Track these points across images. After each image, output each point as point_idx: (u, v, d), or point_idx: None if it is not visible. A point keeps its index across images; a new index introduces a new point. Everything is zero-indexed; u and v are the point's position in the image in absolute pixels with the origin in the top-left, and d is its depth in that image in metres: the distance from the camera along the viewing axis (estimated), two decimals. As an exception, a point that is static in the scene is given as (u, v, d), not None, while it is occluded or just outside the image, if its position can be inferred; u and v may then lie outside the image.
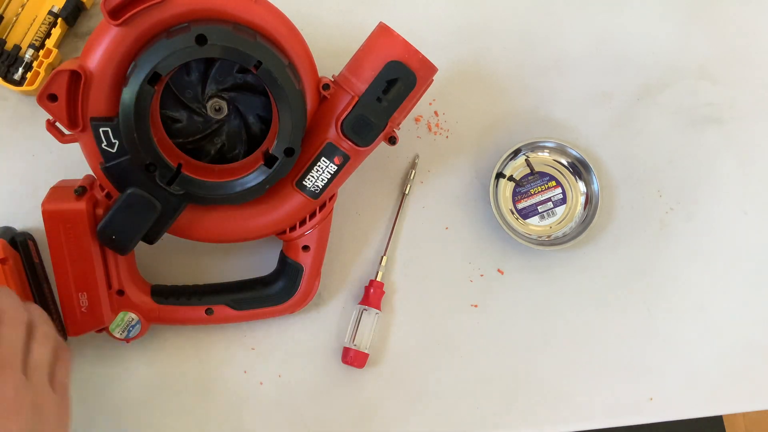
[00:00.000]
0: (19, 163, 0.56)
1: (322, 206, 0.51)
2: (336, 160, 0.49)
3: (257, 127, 0.49)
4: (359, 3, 0.60)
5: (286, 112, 0.45)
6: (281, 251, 0.53)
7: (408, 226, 0.58)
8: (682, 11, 0.62)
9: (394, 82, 0.47)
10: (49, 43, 0.54)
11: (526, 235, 0.58)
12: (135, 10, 0.42)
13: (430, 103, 0.59)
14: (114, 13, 0.42)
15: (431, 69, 0.49)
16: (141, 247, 0.49)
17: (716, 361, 0.59)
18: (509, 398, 0.57)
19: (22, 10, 0.55)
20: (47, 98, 0.43)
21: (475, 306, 0.58)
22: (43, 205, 0.47)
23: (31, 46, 0.54)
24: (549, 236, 0.58)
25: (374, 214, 0.58)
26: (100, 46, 0.44)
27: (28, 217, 0.55)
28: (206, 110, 0.48)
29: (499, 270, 0.58)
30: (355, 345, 0.55)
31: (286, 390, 0.56)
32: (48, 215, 0.47)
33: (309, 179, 0.49)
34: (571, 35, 0.61)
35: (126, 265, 0.51)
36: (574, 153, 0.58)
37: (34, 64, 0.54)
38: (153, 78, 0.42)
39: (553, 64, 0.60)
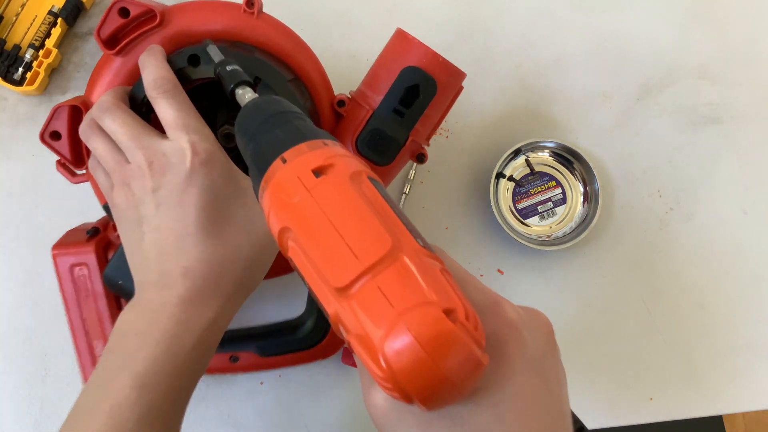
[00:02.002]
0: (19, 163, 0.56)
1: None
2: None
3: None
4: (359, 3, 0.60)
5: None
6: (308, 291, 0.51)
7: (408, 226, 0.58)
8: (682, 11, 0.62)
9: (413, 90, 0.43)
10: (49, 43, 0.54)
11: (526, 235, 0.58)
12: (130, 38, 0.41)
13: (430, 103, 0.59)
14: (109, 43, 0.41)
15: (457, 74, 0.44)
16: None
17: (716, 361, 0.59)
18: (509, 398, 0.57)
19: (22, 9, 0.55)
20: (50, 136, 0.42)
21: (475, 306, 0.58)
22: (53, 248, 0.46)
23: (31, 46, 0.54)
24: (549, 236, 0.58)
25: (374, 214, 0.58)
26: (101, 79, 0.42)
27: (27, 218, 0.55)
28: (218, 138, 0.44)
29: (499, 270, 0.58)
30: (355, 345, 0.55)
31: (286, 390, 0.56)
32: (58, 258, 0.45)
33: None
34: (571, 35, 0.61)
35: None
36: (574, 153, 0.58)
37: (34, 64, 0.54)
38: (150, 104, 0.40)
39: (553, 64, 0.60)
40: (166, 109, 0.37)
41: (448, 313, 0.23)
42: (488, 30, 0.60)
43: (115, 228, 0.47)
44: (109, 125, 0.38)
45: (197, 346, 0.36)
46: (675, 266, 0.60)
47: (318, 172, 0.27)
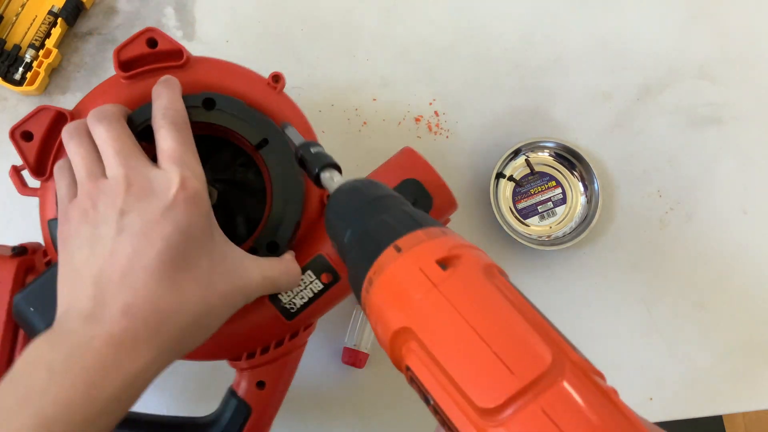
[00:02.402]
0: (18, 163, 0.56)
1: (294, 335, 0.42)
2: (324, 277, 0.41)
3: (242, 230, 0.43)
4: (360, 2, 0.60)
5: (279, 199, 0.39)
6: (230, 386, 0.43)
7: (408, 226, 0.58)
8: (682, 11, 0.62)
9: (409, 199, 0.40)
10: (49, 43, 0.54)
11: (526, 235, 0.58)
12: (147, 68, 0.40)
13: (430, 103, 0.59)
14: (125, 66, 0.40)
15: (450, 203, 0.44)
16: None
17: (716, 361, 0.59)
18: (509, 398, 0.57)
19: (22, 9, 0.55)
20: (21, 134, 0.38)
21: (475, 306, 0.58)
22: None
23: (31, 46, 0.54)
24: (549, 236, 0.58)
25: (374, 214, 0.58)
26: (102, 98, 0.40)
27: (27, 218, 0.55)
28: None
29: (499, 270, 0.58)
30: (355, 345, 0.55)
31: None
32: None
33: (287, 292, 0.41)
34: (571, 35, 0.61)
35: None
36: (574, 153, 0.58)
37: (34, 64, 0.54)
38: (145, 132, 0.37)
39: (553, 64, 0.60)
40: (167, 139, 0.35)
41: None
42: (488, 30, 0.60)
43: (45, 254, 0.41)
44: (101, 133, 0.35)
45: (116, 397, 0.30)
46: (675, 266, 0.60)
47: (444, 264, 0.23)
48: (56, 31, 0.54)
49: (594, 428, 0.19)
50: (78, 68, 0.57)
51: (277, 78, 0.43)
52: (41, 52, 0.54)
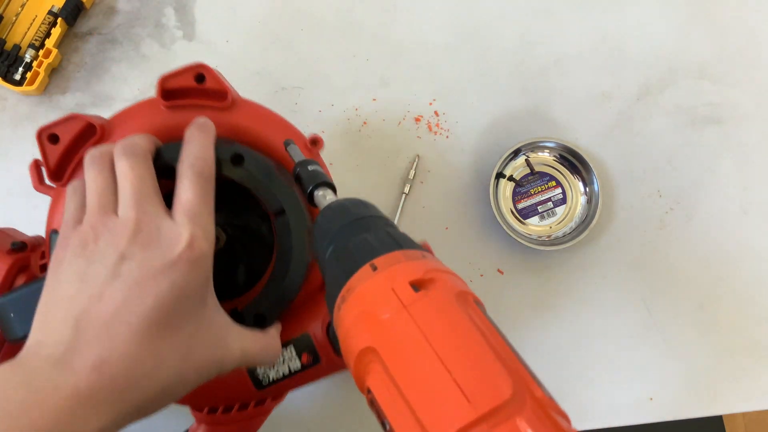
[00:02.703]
0: (18, 163, 0.56)
1: (260, 402, 0.41)
2: (304, 357, 0.40)
3: (241, 279, 0.41)
4: (360, 2, 0.60)
5: (280, 274, 0.38)
6: (188, 430, 0.42)
7: (408, 226, 0.58)
8: (682, 11, 0.62)
9: None
10: (49, 43, 0.54)
11: (526, 235, 0.58)
12: (189, 102, 0.39)
13: (430, 103, 0.59)
14: (167, 95, 0.39)
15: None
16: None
17: (716, 361, 0.59)
18: (509, 398, 0.57)
19: (22, 9, 0.55)
20: (48, 136, 0.38)
21: (475, 306, 0.58)
22: None
23: (30, 46, 0.54)
24: (549, 236, 0.58)
25: (374, 214, 0.58)
26: (137, 121, 0.39)
27: (26, 218, 0.55)
28: None
29: (499, 270, 0.58)
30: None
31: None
32: None
33: None
34: (571, 35, 0.61)
35: (7, 358, 0.38)
36: (574, 153, 0.58)
37: (34, 64, 0.54)
38: (166, 170, 0.36)
39: (553, 64, 0.60)
40: (188, 190, 0.33)
41: None
42: (488, 30, 0.60)
43: (42, 256, 0.41)
44: (124, 168, 0.34)
45: None
46: (675, 266, 0.60)
47: (417, 286, 0.23)
48: (56, 31, 0.54)
49: None
50: (78, 68, 0.57)
51: (315, 141, 0.42)
52: (41, 52, 0.54)
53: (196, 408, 0.41)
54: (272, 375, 0.40)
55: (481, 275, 0.58)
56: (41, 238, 0.43)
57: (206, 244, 0.33)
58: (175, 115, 0.39)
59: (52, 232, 0.38)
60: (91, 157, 0.35)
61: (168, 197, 0.34)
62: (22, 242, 0.40)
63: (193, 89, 0.39)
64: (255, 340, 0.36)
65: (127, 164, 0.34)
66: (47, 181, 0.40)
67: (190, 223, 0.32)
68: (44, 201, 0.55)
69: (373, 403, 0.22)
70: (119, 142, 0.35)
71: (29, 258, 0.40)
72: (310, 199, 0.34)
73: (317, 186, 0.34)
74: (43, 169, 0.39)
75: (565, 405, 0.61)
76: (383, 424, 0.21)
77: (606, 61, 0.61)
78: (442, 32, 0.60)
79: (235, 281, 0.41)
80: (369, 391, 0.22)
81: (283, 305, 0.38)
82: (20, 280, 0.40)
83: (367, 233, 0.27)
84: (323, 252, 0.29)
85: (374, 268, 0.24)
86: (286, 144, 0.39)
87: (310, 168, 0.35)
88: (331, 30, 0.59)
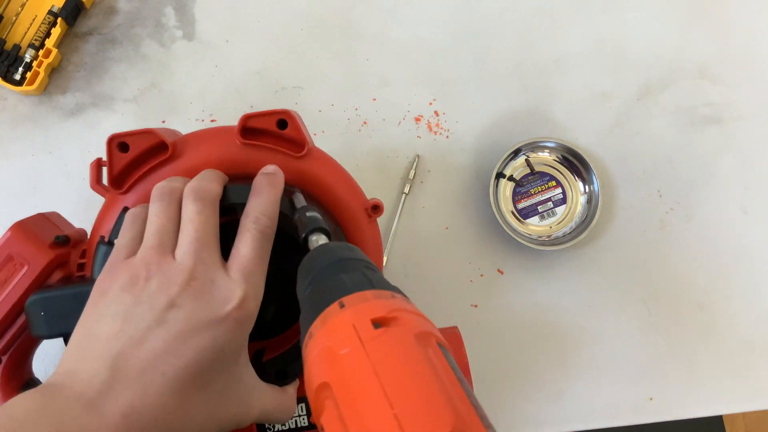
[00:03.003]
0: (18, 163, 0.56)
1: None
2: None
3: (268, 318, 0.40)
4: (360, 2, 0.60)
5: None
6: None
7: (408, 226, 0.58)
8: (682, 11, 0.62)
9: None
10: (49, 42, 0.54)
11: (526, 235, 0.58)
12: (267, 145, 0.39)
13: (430, 103, 0.59)
14: (248, 133, 0.39)
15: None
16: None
17: (716, 361, 0.59)
18: (509, 398, 0.57)
19: (22, 9, 0.55)
20: (118, 144, 0.38)
21: (475, 306, 0.58)
22: (17, 225, 0.40)
23: (30, 45, 0.54)
24: (549, 236, 0.58)
25: (374, 214, 0.58)
26: (209, 146, 0.39)
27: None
28: None
29: (499, 270, 0.58)
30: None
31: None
32: (11, 238, 0.39)
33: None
34: (571, 35, 0.61)
35: (22, 349, 0.41)
36: (574, 153, 0.58)
37: (34, 63, 0.54)
38: (226, 209, 0.36)
39: (553, 64, 0.60)
40: (248, 246, 0.33)
41: None
42: (489, 30, 0.60)
43: (83, 255, 0.40)
44: (191, 212, 0.33)
45: None
46: (675, 266, 0.60)
47: (378, 324, 0.23)
48: (56, 31, 0.54)
49: None
50: (78, 68, 0.57)
51: (376, 208, 0.42)
52: (41, 52, 0.54)
53: None
54: (279, 428, 0.41)
55: (481, 275, 0.58)
56: (84, 233, 0.43)
57: (255, 305, 0.33)
58: (249, 152, 0.39)
59: (100, 240, 0.38)
60: (161, 190, 0.35)
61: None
62: (66, 236, 0.40)
63: (272, 133, 0.39)
64: (274, 399, 0.36)
65: (195, 209, 0.33)
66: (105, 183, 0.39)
67: (244, 281, 0.32)
68: (44, 201, 0.55)
69: None
70: (193, 182, 0.35)
71: (70, 254, 0.40)
72: (305, 243, 0.34)
73: (313, 231, 0.34)
74: (104, 171, 0.39)
75: (565, 405, 0.61)
76: None
77: (606, 61, 0.61)
78: (442, 32, 0.60)
79: (262, 319, 0.41)
80: (322, 428, 0.22)
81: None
82: (57, 275, 0.40)
83: (345, 273, 0.27)
84: (303, 292, 0.29)
85: (342, 306, 0.24)
86: (293, 191, 0.39)
87: (308, 214, 0.35)
88: (331, 30, 0.59)
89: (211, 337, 0.30)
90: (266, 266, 0.34)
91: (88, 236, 0.42)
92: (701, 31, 0.62)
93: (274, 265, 0.40)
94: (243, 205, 0.35)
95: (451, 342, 0.42)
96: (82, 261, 0.40)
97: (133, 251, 0.33)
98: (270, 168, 0.37)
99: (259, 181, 0.36)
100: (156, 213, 0.34)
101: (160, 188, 0.35)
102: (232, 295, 0.31)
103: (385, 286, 0.26)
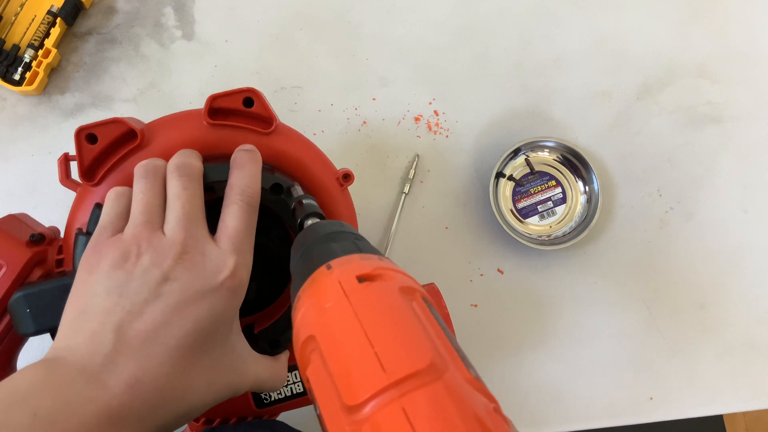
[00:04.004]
0: (18, 163, 0.56)
1: (257, 418, 0.42)
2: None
3: (251, 296, 0.38)
4: (359, 2, 0.60)
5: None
6: None
7: (408, 226, 0.58)
8: (682, 11, 0.62)
9: None
10: (48, 42, 0.54)
11: (526, 234, 0.58)
12: (235, 124, 0.39)
13: (430, 103, 0.59)
14: (215, 113, 0.39)
15: None
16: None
17: (716, 361, 0.59)
18: (509, 398, 0.57)
19: (21, 9, 0.55)
20: (86, 136, 0.38)
21: (475, 306, 0.58)
22: None
23: (30, 45, 0.54)
24: (549, 236, 0.58)
25: (374, 213, 0.58)
26: (177, 129, 0.40)
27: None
28: None
29: (499, 270, 0.58)
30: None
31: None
32: None
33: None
34: (570, 35, 0.61)
35: (6, 350, 0.40)
36: (573, 152, 0.57)
37: (33, 64, 0.54)
38: (206, 189, 0.36)
39: (553, 64, 0.60)
40: (236, 218, 0.34)
41: None
42: (488, 30, 0.60)
43: (59, 251, 0.40)
44: (176, 188, 0.34)
45: None
46: (675, 266, 0.60)
47: (363, 279, 0.23)
48: (55, 31, 0.54)
49: None
50: (77, 68, 0.57)
51: (347, 177, 0.43)
52: (40, 52, 0.54)
53: (194, 419, 0.41)
54: (274, 396, 0.41)
55: (481, 275, 0.58)
56: (57, 230, 0.43)
57: (246, 274, 0.33)
58: (218, 132, 0.39)
59: (78, 231, 0.38)
60: (144, 168, 0.35)
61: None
62: (40, 234, 0.40)
63: (239, 112, 0.39)
64: (267, 367, 0.37)
65: (180, 184, 0.34)
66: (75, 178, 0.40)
67: (234, 251, 0.33)
68: (43, 201, 0.55)
69: (310, 392, 0.23)
70: (174, 159, 0.35)
71: (47, 251, 0.40)
72: (301, 228, 0.34)
73: (308, 216, 0.34)
74: (73, 165, 0.39)
75: (565, 405, 0.61)
76: (316, 410, 0.22)
77: (606, 61, 0.61)
78: (442, 32, 0.60)
79: (246, 299, 0.42)
80: (308, 380, 0.23)
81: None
82: (36, 273, 0.39)
83: (335, 243, 0.28)
84: (295, 265, 0.29)
85: (329, 268, 0.25)
86: (291, 185, 0.40)
87: (305, 201, 0.36)
88: (331, 30, 0.59)
89: (208, 306, 0.31)
90: (253, 236, 0.35)
91: (62, 233, 0.42)
92: (700, 31, 0.62)
93: (259, 243, 0.40)
94: (221, 183, 0.36)
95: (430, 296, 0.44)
96: (60, 257, 0.40)
97: (118, 229, 0.33)
98: (247, 146, 0.38)
99: (240, 156, 0.36)
100: (142, 190, 0.34)
101: (143, 166, 0.35)
102: (224, 265, 0.32)
103: (373, 251, 0.27)
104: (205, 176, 0.36)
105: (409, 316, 0.21)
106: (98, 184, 0.39)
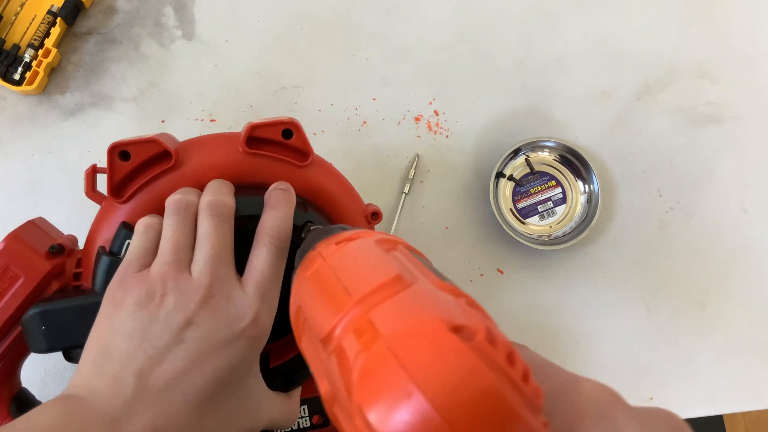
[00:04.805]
0: (18, 163, 0.56)
1: None
2: (315, 418, 0.41)
3: (281, 318, 0.37)
4: (359, 2, 0.60)
5: None
6: None
7: (408, 226, 0.58)
8: (682, 11, 0.62)
9: None
10: (48, 42, 0.54)
11: (526, 234, 0.58)
12: (271, 155, 0.39)
13: (430, 103, 0.59)
14: (252, 143, 0.39)
15: None
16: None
17: (716, 361, 0.59)
18: (509, 398, 0.57)
19: (21, 9, 0.55)
20: (120, 153, 0.37)
21: (475, 306, 0.58)
22: (9, 237, 0.38)
23: (30, 45, 0.54)
24: (549, 236, 0.58)
25: (374, 213, 0.58)
26: (213, 154, 0.39)
27: (27, 218, 0.55)
28: None
29: (499, 270, 0.58)
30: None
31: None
32: (8, 248, 0.38)
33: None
34: (571, 35, 0.61)
35: (11, 361, 0.39)
36: (574, 152, 0.57)
37: (33, 63, 0.54)
38: (239, 220, 0.36)
39: (553, 64, 0.60)
40: (263, 261, 0.33)
41: (458, 330, 0.16)
42: (488, 30, 0.60)
43: (78, 264, 0.39)
44: (206, 228, 0.33)
45: None
46: (675, 266, 0.60)
47: (341, 242, 0.24)
48: (55, 31, 0.54)
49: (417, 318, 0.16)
50: (77, 68, 0.57)
51: (375, 215, 0.43)
52: (40, 52, 0.54)
53: None
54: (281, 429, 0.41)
55: (481, 275, 0.58)
56: (75, 239, 0.42)
57: (268, 321, 0.33)
58: (253, 161, 0.39)
59: (100, 250, 0.37)
60: (177, 204, 0.34)
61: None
62: (60, 245, 0.39)
63: (277, 143, 0.39)
64: (281, 406, 0.37)
65: (212, 224, 0.33)
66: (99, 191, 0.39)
67: (259, 297, 0.32)
68: (43, 202, 0.55)
69: (307, 363, 0.23)
70: (207, 194, 0.35)
71: (65, 263, 0.39)
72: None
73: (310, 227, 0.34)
74: (101, 178, 0.38)
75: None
76: (312, 375, 0.22)
77: (606, 61, 0.61)
78: (442, 32, 0.60)
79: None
80: (303, 352, 0.23)
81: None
82: (54, 286, 0.39)
83: (325, 234, 0.28)
84: (296, 264, 0.30)
85: (314, 249, 0.26)
86: (310, 215, 0.39)
87: (312, 227, 0.36)
88: (331, 29, 0.59)
89: (228, 356, 0.31)
90: (281, 281, 0.34)
91: (79, 243, 0.41)
92: (701, 31, 0.62)
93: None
94: (252, 218, 0.35)
95: None
96: (79, 270, 0.39)
97: (146, 264, 0.33)
98: (283, 185, 0.37)
99: (275, 196, 0.36)
100: (172, 227, 0.33)
101: (176, 201, 0.34)
102: (247, 312, 0.32)
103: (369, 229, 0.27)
104: (237, 210, 0.36)
105: (383, 255, 0.21)
106: (126, 201, 0.38)
